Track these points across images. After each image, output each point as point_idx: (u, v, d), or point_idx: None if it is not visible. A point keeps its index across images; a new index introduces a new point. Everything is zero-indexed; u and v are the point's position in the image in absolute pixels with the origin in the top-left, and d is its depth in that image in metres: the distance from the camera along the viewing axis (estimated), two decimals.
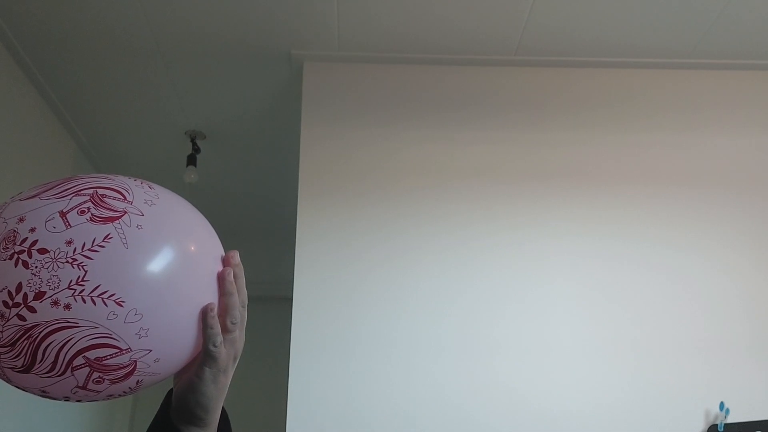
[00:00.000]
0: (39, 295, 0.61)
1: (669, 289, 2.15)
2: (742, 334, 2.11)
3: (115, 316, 0.63)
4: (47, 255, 0.62)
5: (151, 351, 0.66)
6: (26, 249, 0.63)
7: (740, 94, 2.41)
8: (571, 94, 2.40)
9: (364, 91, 2.39)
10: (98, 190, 0.68)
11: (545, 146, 2.32)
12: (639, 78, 2.42)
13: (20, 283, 0.62)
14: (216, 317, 0.70)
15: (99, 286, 0.62)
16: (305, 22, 2.26)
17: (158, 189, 0.74)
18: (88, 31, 2.30)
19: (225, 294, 0.71)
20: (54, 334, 0.62)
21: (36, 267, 0.62)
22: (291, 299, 2.11)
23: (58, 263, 0.62)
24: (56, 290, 0.62)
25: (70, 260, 0.62)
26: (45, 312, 0.61)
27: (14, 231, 0.64)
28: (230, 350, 0.72)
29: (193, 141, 2.91)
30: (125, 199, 0.68)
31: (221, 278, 0.72)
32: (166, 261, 0.67)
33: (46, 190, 0.68)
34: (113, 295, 0.63)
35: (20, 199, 0.68)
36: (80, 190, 0.68)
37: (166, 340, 0.67)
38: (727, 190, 2.28)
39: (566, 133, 2.34)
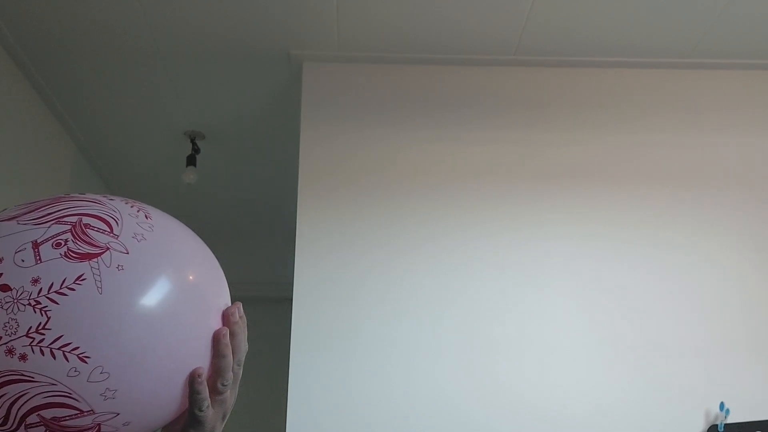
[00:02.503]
0: None
1: (669, 290, 2.15)
2: (742, 334, 2.11)
3: (77, 373, 0.54)
4: (9, 294, 0.54)
5: (118, 414, 0.57)
6: None
7: (740, 94, 2.41)
8: (571, 94, 2.40)
9: (364, 91, 2.39)
10: (84, 218, 0.60)
11: (545, 146, 2.32)
12: (639, 78, 2.42)
13: None
14: (204, 383, 0.62)
15: (61, 336, 0.54)
16: (305, 23, 2.26)
17: (156, 219, 0.65)
18: (87, 32, 2.30)
19: (218, 356, 0.64)
20: (6, 387, 0.54)
21: None
22: (291, 299, 2.11)
23: (19, 305, 0.54)
24: (12, 336, 0.54)
25: (33, 303, 0.54)
26: None
27: None
28: (219, 410, 0.65)
29: (192, 141, 2.91)
30: (111, 231, 0.59)
31: (215, 339, 0.64)
32: (147, 312, 0.58)
33: (28, 212, 0.60)
34: (77, 348, 0.54)
35: None
36: (63, 217, 0.59)
37: (138, 402, 0.58)
38: (727, 190, 2.28)
39: (566, 133, 2.34)
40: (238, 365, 0.66)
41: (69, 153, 2.91)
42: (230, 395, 0.66)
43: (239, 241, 3.82)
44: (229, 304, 0.68)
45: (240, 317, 0.67)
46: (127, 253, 0.59)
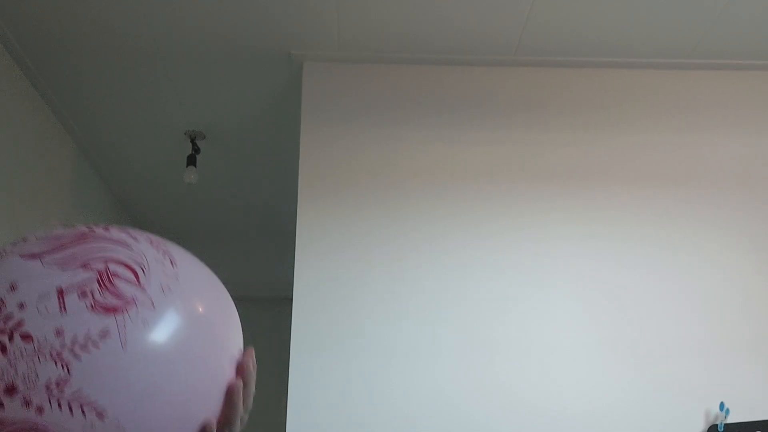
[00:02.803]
0: (10, 390, 0.53)
1: (669, 290, 2.15)
2: (742, 334, 2.11)
3: (92, 428, 0.53)
4: (30, 344, 0.53)
5: None
6: (9, 330, 0.54)
7: (740, 94, 2.41)
8: (571, 95, 2.40)
9: (364, 91, 2.39)
10: (110, 264, 0.58)
11: (545, 146, 2.32)
12: (639, 78, 2.42)
13: None
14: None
15: (80, 390, 0.53)
16: (305, 23, 2.26)
17: (181, 265, 0.63)
18: (88, 32, 2.30)
19: (230, 407, 0.64)
20: None
21: (15, 355, 0.53)
22: (291, 299, 2.11)
23: (40, 356, 0.53)
24: (31, 388, 0.52)
25: (55, 355, 0.53)
26: (13, 410, 0.52)
27: (2, 301, 0.55)
28: None
29: (192, 141, 2.91)
30: (138, 282, 0.58)
31: (229, 391, 0.64)
32: (168, 369, 0.57)
33: (52, 251, 0.58)
34: (95, 404, 0.53)
35: (21, 255, 0.59)
36: (89, 261, 0.58)
37: None
38: (727, 190, 2.28)
39: (566, 134, 2.34)
40: (246, 412, 0.67)
41: (69, 153, 2.92)
42: None
43: (239, 241, 3.82)
44: (241, 349, 0.67)
45: (254, 364, 0.67)
46: (153, 308, 0.58)
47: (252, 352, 0.67)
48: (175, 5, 2.18)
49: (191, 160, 2.90)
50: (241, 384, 0.65)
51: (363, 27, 2.28)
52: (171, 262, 0.62)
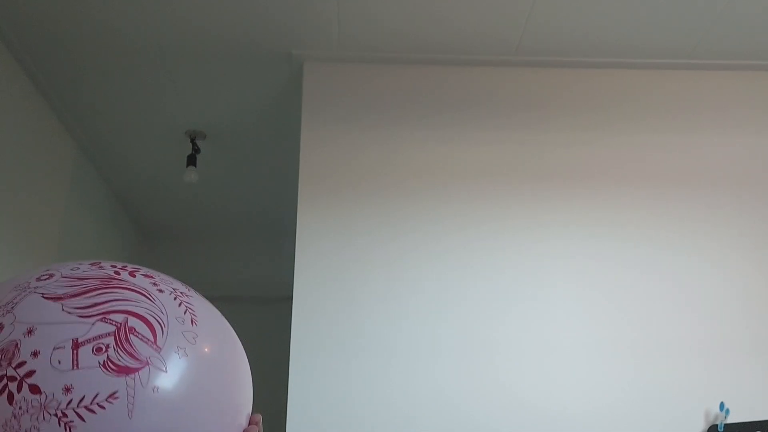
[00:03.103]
0: None
1: (669, 290, 2.15)
2: (742, 334, 2.11)
3: None
4: (37, 397, 0.52)
5: None
6: (19, 378, 0.52)
7: (740, 94, 2.41)
8: (571, 95, 2.40)
9: (364, 91, 2.39)
10: (130, 318, 0.57)
11: (545, 146, 2.32)
12: (639, 78, 2.42)
13: None
14: None
15: None
16: (305, 22, 2.26)
17: (202, 323, 0.61)
18: (88, 32, 2.30)
19: None
20: None
21: (20, 407, 0.52)
22: (291, 299, 2.11)
23: (45, 413, 0.51)
24: None
25: (60, 415, 0.51)
26: None
27: (16, 345, 0.54)
28: None
29: (193, 141, 2.91)
30: (155, 341, 0.57)
31: None
32: None
33: (75, 296, 0.57)
34: None
35: (43, 295, 0.57)
36: (110, 312, 0.56)
37: None
38: (727, 190, 2.28)
39: (566, 134, 2.34)
40: None
41: (70, 152, 2.92)
42: None
43: (239, 241, 3.82)
44: (249, 415, 0.66)
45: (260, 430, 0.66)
46: (166, 372, 0.56)
47: (258, 419, 0.65)
48: (175, 5, 2.18)
49: (191, 160, 2.90)
50: None
51: (363, 27, 2.29)
52: (192, 321, 0.61)
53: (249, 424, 0.65)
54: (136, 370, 0.54)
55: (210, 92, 2.64)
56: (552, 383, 2.04)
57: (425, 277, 2.14)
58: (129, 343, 0.56)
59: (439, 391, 2.02)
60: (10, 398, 0.52)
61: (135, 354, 0.55)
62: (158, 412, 0.54)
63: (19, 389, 0.52)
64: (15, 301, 0.57)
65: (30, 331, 0.54)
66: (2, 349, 0.53)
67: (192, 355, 0.58)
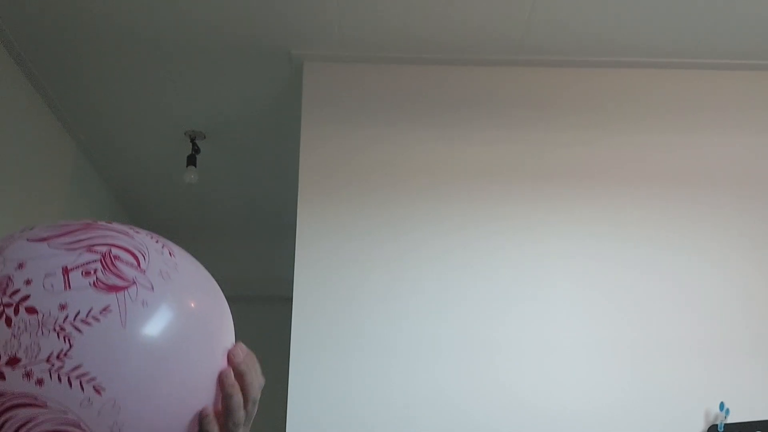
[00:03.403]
0: (13, 361, 0.54)
1: (669, 290, 2.15)
2: (742, 334, 2.11)
3: (89, 404, 0.54)
4: (35, 316, 0.55)
5: None
6: (14, 303, 0.55)
7: (740, 94, 2.41)
8: (573, 94, 2.40)
9: (365, 90, 2.39)
10: (113, 249, 0.60)
11: (546, 146, 2.32)
12: (639, 78, 2.42)
13: None
14: (213, 421, 0.62)
15: (81, 366, 0.54)
16: (306, 22, 2.26)
17: (179, 258, 0.66)
18: (88, 31, 2.30)
19: (226, 396, 0.64)
20: (17, 410, 0.54)
21: (18, 328, 0.54)
22: (291, 299, 2.11)
23: (43, 329, 0.54)
24: (33, 360, 0.54)
25: (58, 329, 0.54)
26: (14, 382, 0.53)
27: (9, 278, 0.57)
28: None
29: (193, 141, 2.91)
30: (139, 265, 0.60)
31: (220, 380, 0.64)
32: (165, 351, 0.58)
33: (59, 236, 0.61)
34: (94, 379, 0.55)
35: (28, 239, 0.61)
36: (93, 245, 0.60)
37: None
38: (727, 190, 2.28)
39: (568, 133, 2.34)
40: (253, 404, 0.66)
41: (70, 152, 2.91)
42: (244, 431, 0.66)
43: (239, 241, 3.82)
44: (233, 341, 0.68)
45: (246, 355, 0.66)
46: (152, 290, 0.60)
47: (240, 344, 0.67)
48: (175, 5, 2.18)
49: (191, 160, 2.90)
50: (230, 371, 0.64)
51: (363, 26, 2.28)
52: (170, 253, 0.65)
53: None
54: (125, 288, 0.58)
55: (210, 92, 2.64)
56: (552, 383, 2.04)
57: (425, 276, 2.14)
58: (115, 267, 0.59)
59: (439, 390, 2.02)
60: (8, 322, 0.55)
61: (121, 275, 0.59)
62: (149, 323, 0.58)
63: (16, 312, 0.55)
64: (2, 247, 0.61)
65: (20, 266, 0.58)
66: None
67: (175, 278, 0.62)
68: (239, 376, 0.65)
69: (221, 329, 0.66)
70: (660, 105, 2.38)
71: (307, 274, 2.14)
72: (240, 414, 0.64)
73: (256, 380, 0.67)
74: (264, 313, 3.37)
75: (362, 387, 2.02)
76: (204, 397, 0.62)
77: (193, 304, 0.63)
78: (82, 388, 0.54)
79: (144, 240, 0.64)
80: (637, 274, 2.16)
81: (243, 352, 0.66)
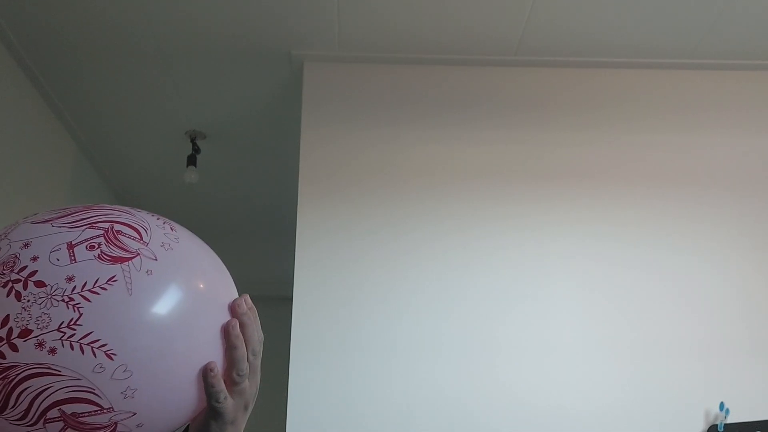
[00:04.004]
0: (24, 333, 0.55)
1: (669, 290, 2.15)
2: (742, 334, 2.11)
3: (102, 370, 0.56)
4: (43, 289, 0.56)
5: (135, 414, 0.58)
6: (23, 279, 0.57)
7: (740, 94, 2.41)
8: (572, 94, 2.40)
9: (364, 91, 2.39)
10: (115, 225, 0.63)
11: (545, 146, 2.32)
12: (639, 78, 2.42)
13: (8, 315, 0.56)
14: (218, 376, 0.64)
15: (91, 333, 0.56)
16: (305, 22, 2.26)
17: (180, 232, 0.68)
18: (89, 32, 2.30)
19: (230, 348, 0.66)
20: (32, 380, 0.55)
21: (28, 300, 0.56)
22: (291, 299, 2.11)
23: (53, 300, 0.56)
24: (44, 330, 0.55)
25: (66, 299, 0.56)
26: (27, 353, 0.55)
27: (15, 256, 0.59)
28: (239, 401, 0.67)
29: (193, 141, 2.91)
30: (141, 238, 0.63)
31: (225, 331, 0.66)
32: (171, 315, 0.61)
33: (61, 217, 0.63)
34: (105, 345, 0.56)
35: (32, 222, 0.63)
36: (95, 222, 0.62)
37: (153, 405, 0.59)
38: (727, 190, 2.28)
39: (567, 133, 2.34)
40: (253, 355, 0.68)
41: (70, 152, 2.92)
42: (249, 385, 0.69)
43: (239, 241, 3.82)
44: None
45: (249, 308, 0.69)
46: (156, 260, 0.62)
47: (246, 296, 0.70)
48: (176, 5, 2.18)
49: (191, 160, 2.90)
50: (236, 322, 0.66)
51: (363, 27, 2.28)
52: (171, 228, 0.68)
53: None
54: (129, 259, 0.60)
55: (210, 92, 2.64)
56: (552, 383, 2.04)
57: (425, 276, 2.14)
58: (118, 240, 0.61)
59: (439, 390, 2.02)
60: (18, 296, 0.56)
61: (125, 247, 0.61)
62: (154, 290, 0.60)
63: (25, 287, 0.57)
64: (7, 231, 0.63)
65: (26, 245, 0.59)
66: (3, 262, 0.58)
67: (176, 249, 0.65)
68: (242, 327, 0.67)
69: (224, 290, 0.68)
70: (659, 105, 2.38)
71: (307, 273, 2.14)
72: (244, 365, 0.67)
73: (258, 333, 0.69)
74: (264, 313, 3.37)
75: (362, 387, 2.02)
76: (210, 353, 0.64)
77: (196, 271, 0.65)
78: (95, 354, 0.56)
79: (144, 217, 0.66)
80: (637, 274, 2.16)
81: (247, 304, 0.69)
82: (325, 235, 2.19)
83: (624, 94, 2.40)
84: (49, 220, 0.62)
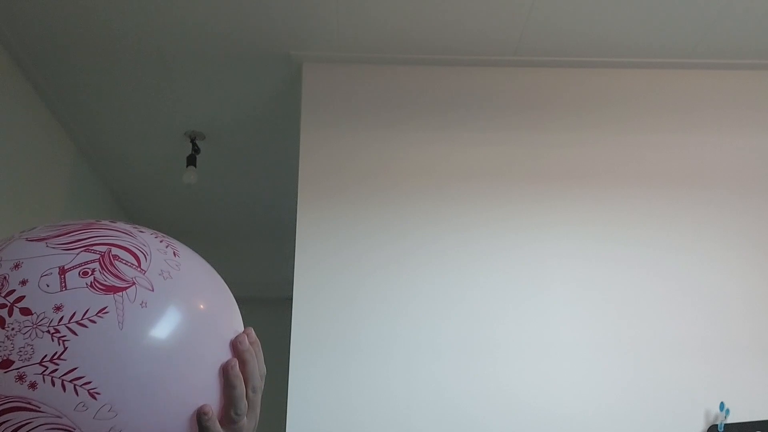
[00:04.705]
0: (5, 364, 0.52)
1: (669, 290, 2.15)
2: (742, 334, 2.11)
3: (84, 409, 0.53)
4: (29, 318, 0.53)
5: None
6: (9, 304, 0.54)
7: (740, 94, 2.41)
8: (571, 95, 2.40)
9: (364, 91, 2.39)
10: (113, 248, 0.59)
11: (544, 147, 2.32)
12: (639, 78, 2.42)
13: None
14: (213, 419, 0.61)
15: (75, 369, 0.53)
16: (305, 23, 2.26)
17: (183, 256, 0.64)
18: (87, 32, 2.30)
19: (228, 387, 0.63)
20: (10, 413, 0.52)
21: (12, 329, 0.53)
22: (291, 300, 2.11)
23: (38, 330, 0.53)
24: (26, 363, 0.52)
25: (52, 330, 0.53)
26: (7, 385, 0.52)
27: (5, 278, 0.56)
28: None
29: (192, 142, 2.91)
30: (139, 265, 0.59)
31: (224, 371, 0.63)
32: (162, 352, 0.57)
33: (58, 235, 0.60)
34: (89, 383, 0.53)
35: (27, 239, 0.60)
36: (93, 245, 0.59)
37: None
38: (727, 190, 2.28)
39: (566, 134, 2.34)
40: (254, 392, 0.65)
41: (68, 153, 2.91)
42: (248, 422, 0.66)
43: (239, 241, 3.82)
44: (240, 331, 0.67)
45: (253, 342, 0.66)
46: (152, 290, 0.58)
47: (249, 331, 0.66)
48: (175, 6, 2.18)
49: (191, 161, 2.90)
50: (235, 362, 0.63)
51: (363, 27, 2.28)
52: (174, 253, 0.63)
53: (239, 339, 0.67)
54: (123, 288, 0.56)
55: (209, 93, 2.64)
56: (552, 383, 2.04)
57: (425, 277, 2.14)
58: (114, 267, 0.57)
59: (439, 391, 2.02)
60: (2, 322, 0.53)
61: (120, 275, 0.57)
62: (148, 324, 0.56)
63: (10, 313, 0.54)
64: (0, 247, 0.60)
65: (17, 266, 0.56)
66: None
67: (177, 278, 0.60)
68: (242, 364, 0.64)
69: (225, 324, 0.65)
70: (659, 105, 2.38)
71: (307, 274, 2.14)
72: (242, 404, 0.64)
73: (258, 369, 0.66)
74: (264, 314, 3.37)
75: (362, 388, 2.02)
76: (205, 393, 0.61)
77: (195, 304, 0.61)
78: (77, 392, 0.53)
79: (146, 239, 0.63)
80: (636, 274, 2.16)
81: (249, 339, 0.66)
82: (324, 235, 2.19)
83: (623, 94, 2.40)
84: (45, 239, 0.59)
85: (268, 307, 3.36)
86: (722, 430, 1.97)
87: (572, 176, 2.28)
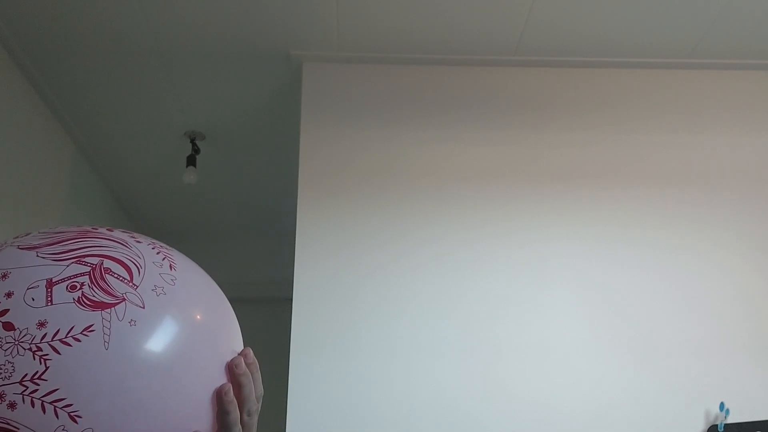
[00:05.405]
0: None
1: (669, 290, 2.15)
2: (742, 334, 2.11)
3: None
4: (11, 333, 0.51)
5: None
6: None
7: (740, 94, 2.41)
8: (571, 95, 2.40)
9: (364, 91, 2.39)
10: (105, 260, 0.56)
11: (544, 147, 2.32)
12: (639, 78, 2.42)
13: None
14: None
15: (56, 390, 0.50)
16: (305, 23, 2.26)
17: (181, 269, 0.61)
18: (87, 32, 2.30)
19: (222, 413, 0.60)
20: None
21: None
22: (291, 300, 2.11)
23: (19, 347, 0.50)
24: (6, 381, 0.50)
25: (34, 348, 0.50)
26: None
27: None
28: None
29: (192, 142, 2.91)
30: (131, 280, 0.56)
31: (218, 396, 0.60)
32: (151, 375, 0.54)
33: (50, 244, 0.57)
34: (70, 405, 0.50)
35: (18, 246, 0.58)
36: (85, 256, 0.56)
37: None
38: (727, 190, 2.28)
39: (566, 134, 2.34)
40: (249, 416, 0.63)
41: (68, 153, 2.91)
42: None
43: (239, 241, 3.82)
44: (239, 351, 0.64)
45: (250, 363, 0.63)
46: (143, 308, 0.55)
47: (247, 352, 0.64)
48: (175, 5, 2.18)
49: (191, 161, 2.90)
50: (229, 388, 0.60)
51: (363, 27, 2.28)
52: (170, 266, 0.60)
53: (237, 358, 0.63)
54: (112, 305, 0.54)
55: (209, 93, 2.64)
56: (552, 383, 2.04)
57: (425, 277, 2.14)
58: (104, 281, 0.55)
59: (439, 391, 2.02)
60: None
61: (110, 291, 0.55)
62: (135, 345, 0.53)
63: None
64: None
65: (4, 276, 0.54)
66: None
67: (171, 294, 0.58)
68: (238, 388, 0.61)
69: (222, 344, 0.62)
70: (659, 105, 2.38)
71: (307, 275, 2.14)
72: (236, 429, 0.61)
73: (254, 392, 0.63)
74: (264, 314, 3.37)
75: (362, 388, 2.02)
76: (196, 418, 0.57)
77: (189, 322, 0.58)
78: (57, 415, 0.50)
79: (142, 250, 0.60)
80: (636, 274, 2.16)
81: (247, 361, 0.63)
82: (325, 235, 2.19)
83: (623, 94, 2.40)
84: (36, 247, 0.57)
85: (268, 307, 3.36)
86: (722, 430, 1.97)
87: (572, 176, 2.28)
